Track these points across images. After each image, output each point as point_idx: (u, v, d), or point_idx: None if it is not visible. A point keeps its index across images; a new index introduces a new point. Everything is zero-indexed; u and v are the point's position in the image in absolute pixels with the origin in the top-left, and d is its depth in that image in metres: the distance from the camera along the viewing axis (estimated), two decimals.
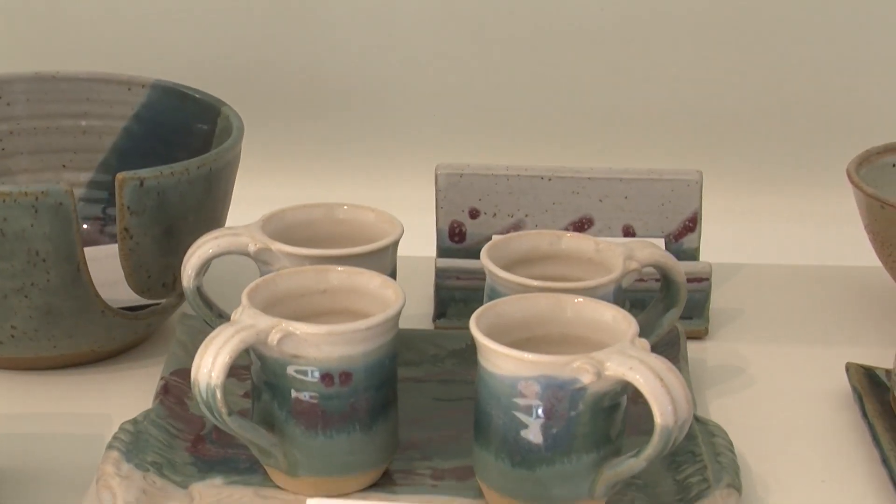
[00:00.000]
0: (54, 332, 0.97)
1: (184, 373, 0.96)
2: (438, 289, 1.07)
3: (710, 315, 1.09)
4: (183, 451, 0.90)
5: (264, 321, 0.82)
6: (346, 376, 0.83)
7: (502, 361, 0.81)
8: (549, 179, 1.10)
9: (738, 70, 1.31)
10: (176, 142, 1.10)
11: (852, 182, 1.07)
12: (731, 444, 0.90)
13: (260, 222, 0.94)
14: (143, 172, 0.95)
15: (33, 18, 1.30)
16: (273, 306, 0.85)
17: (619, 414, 0.83)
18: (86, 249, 0.95)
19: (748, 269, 1.18)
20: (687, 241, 1.10)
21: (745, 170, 1.32)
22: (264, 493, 0.86)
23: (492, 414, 0.82)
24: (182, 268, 0.93)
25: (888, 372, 0.98)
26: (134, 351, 1.04)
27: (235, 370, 0.92)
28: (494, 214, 1.10)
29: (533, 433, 0.81)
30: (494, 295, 0.91)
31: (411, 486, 0.87)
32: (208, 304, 0.94)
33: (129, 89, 1.13)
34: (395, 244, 0.93)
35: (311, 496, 0.84)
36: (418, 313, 1.08)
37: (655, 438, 0.79)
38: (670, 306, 0.96)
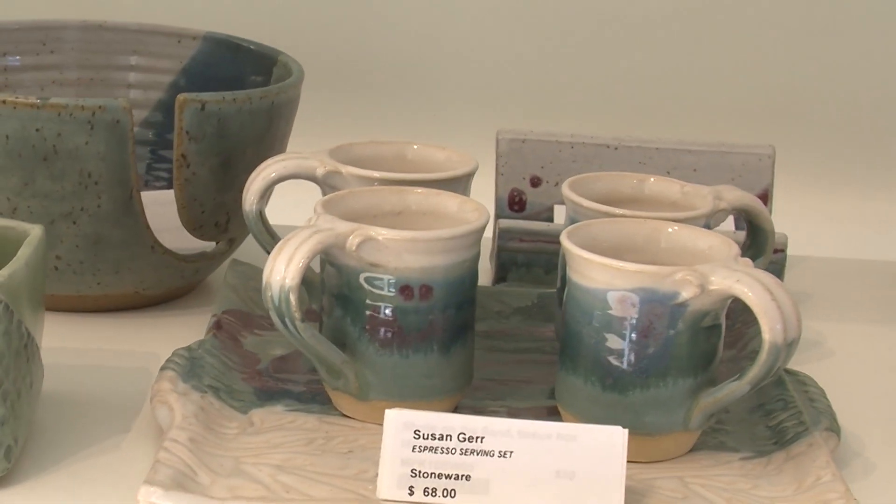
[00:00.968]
0: (100, 266, 0.92)
1: (236, 312, 0.91)
2: (500, 251, 1.02)
3: None
4: (240, 381, 0.84)
5: (343, 225, 0.77)
6: (426, 289, 0.78)
7: (597, 273, 0.75)
8: (616, 149, 1.05)
9: (816, 49, 1.27)
10: None
11: None
12: (825, 393, 0.84)
13: (327, 151, 0.89)
14: (205, 96, 0.90)
15: None
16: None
17: (717, 338, 0.77)
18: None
19: (819, 258, 1.13)
20: None
21: (821, 149, 1.28)
22: (330, 419, 0.80)
23: (582, 333, 0.77)
24: (245, 191, 0.88)
25: None
26: (180, 300, 0.98)
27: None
28: (557, 184, 1.05)
29: (627, 353, 0.76)
30: None
31: None
32: (270, 231, 0.89)
33: (178, 42, 1.08)
34: (471, 176, 0.88)
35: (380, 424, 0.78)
36: None
37: (763, 356, 0.74)
38: (758, 255, 0.91)
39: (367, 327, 0.78)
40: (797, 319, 0.74)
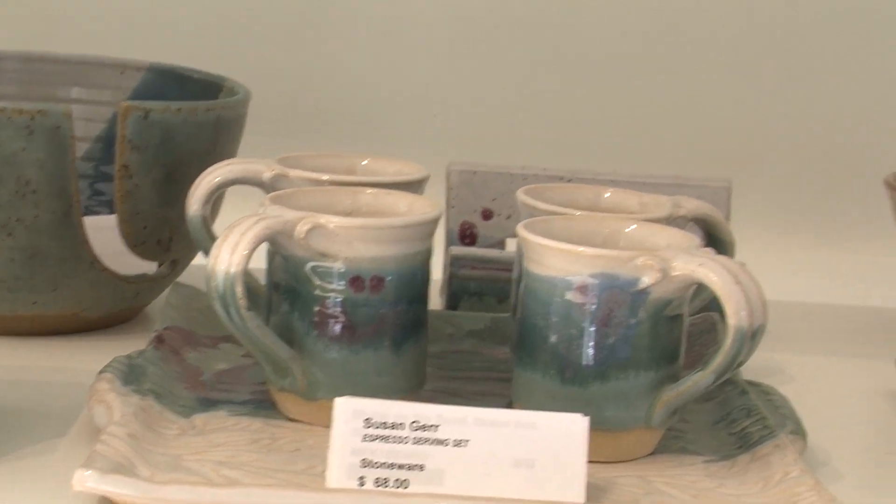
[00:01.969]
0: (37, 283, 0.88)
1: (178, 329, 0.87)
2: (451, 279, 0.99)
3: None
4: (182, 389, 0.80)
5: (292, 212, 0.74)
6: (377, 281, 0.75)
7: (555, 259, 0.73)
8: (569, 181, 1.03)
9: (769, 80, 1.26)
10: None
11: (891, 188, 1.02)
12: (789, 401, 0.81)
13: (274, 159, 0.86)
14: (150, 104, 0.88)
15: None
16: None
17: (680, 328, 0.74)
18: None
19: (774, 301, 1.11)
20: None
21: (777, 183, 1.26)
22: (276, 423, 0.77)
23: (540, 325, 0.74)
24: (189, 196, 0.85)
25: None
26: (121, 326, 0.95)
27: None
28: (509, 216, 1.03)
29: (586, 343, 0.73)
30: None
31: None
32: (213, 237, 0.85)
33: (122, 73, 1.06)
34: (423, 182, 0.86)
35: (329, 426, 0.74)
36: None
37: (728, 343, 0.71)
38: None
39: (315, 321, 0.75)
40: (763, 305, 0.71)
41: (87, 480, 0.65)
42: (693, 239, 0.76)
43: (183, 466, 0.70)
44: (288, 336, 0.76)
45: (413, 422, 0.69)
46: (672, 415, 0.75)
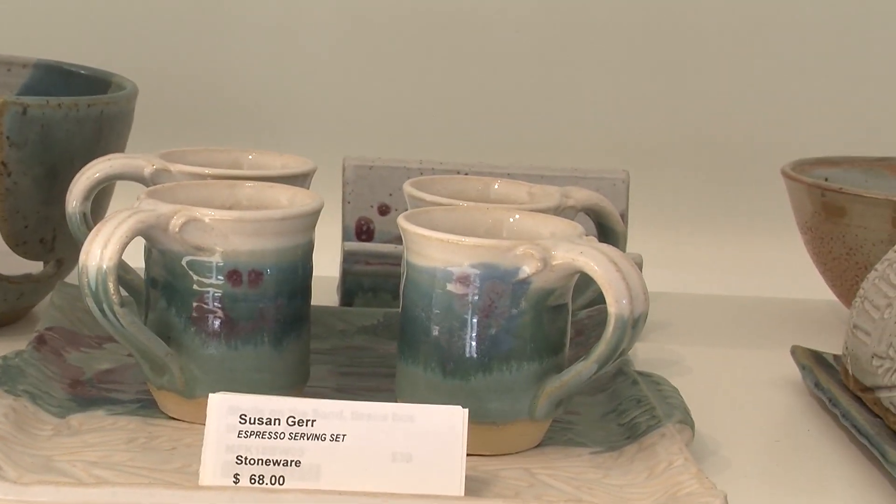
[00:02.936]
0: None
1: (61, 330, 0.86)
2: (345, 275, 0.98)
3: None
4: (59, 389, 0.78)
5: (166, 206, 0.73)
6: (255, 275, 0.73)
7: (435, 250, 0.72)
8: (466, 174, 1.02)
9: (666, 72, 1.26)
10: None
11: (788, 177, 1.01)
12: (678, 392, 0.81)
13: (157, 154, 0.85)
14: (27, 99, 0.86)
15: None
16: None
17: (564, 321, 0.73)
18: None
19: (674, 293, 1.10)
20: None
21: (675, 174, 1.26)
22: (155, 422, 0.75)
23: (421, 317, 0.73)
24: (68, 192, 0.83)
25: (836, 357, 0.90)
26: (8, 328, 0.92)
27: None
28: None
29: (468, 334, 0.72)
30: None
31: None
32: None
33: (9, 70, 1.04)
34: (308, 176, 0.84)
35: None
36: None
37: (609, 331, 0.70)
38: None
39: (192, 317, 0.73)
40: (644, 293, 0.71)
41: None
42: (577, 228, 0.75)
43: (54, 467, 0.69)
44: (166, 333, 0.74)
45: (289, 417, 0.68)
46: (557, 406, 0.74)
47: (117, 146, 0.93)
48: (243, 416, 0.68)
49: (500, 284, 0.71)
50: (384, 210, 1.02)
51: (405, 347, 0.74)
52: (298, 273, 0.75)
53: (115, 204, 0.92)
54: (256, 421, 0.68)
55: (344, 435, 0.68)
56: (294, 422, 0.68)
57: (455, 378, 0.72)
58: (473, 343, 0.72)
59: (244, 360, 0.74)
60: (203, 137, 1.19)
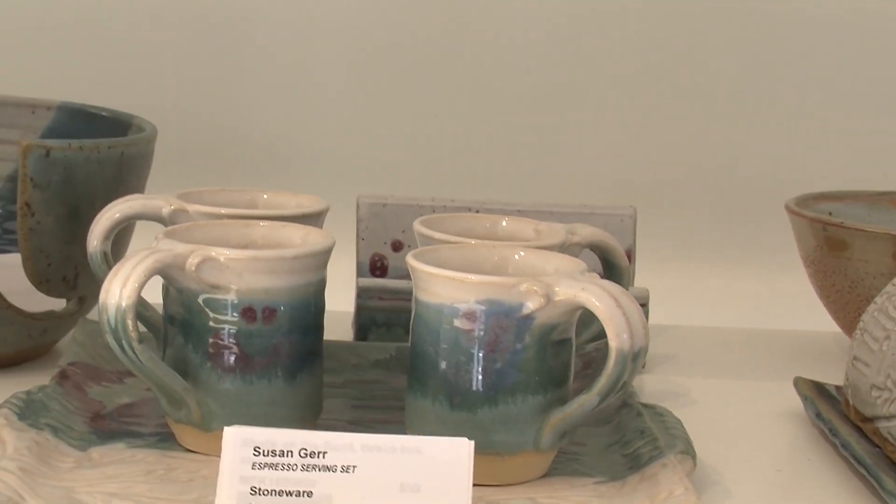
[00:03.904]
0: None
1: (83, 365, 0.88)
2: (359, 310, 1.00)
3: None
4: (81, 423, 0.81)
5: (182, 245, 0.75)
6: (269, 312, 0.76)
7: (441, 287, 0.74)
8: (478, 211, 1.04)
9: (671, 108, 1.28)
10: None
11: (792, 212, 1.04)
12: (681, 423, 0.83)
13: (175, 194, 0.87)
14: (50, 142, 0.89)
15: None
16: None
17: (567, 354, 0.76)
18: None
19: (681, 326, 1.12)
20: None
21: (681, 210, 1.28)
22: (173, 454, 0.78)
23: (429, 352, 0.75)
24: (89, 232, 0.86)
25: (838, 388, 0.92)
26: (31, 363, 0.95)
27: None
28: None
29: (474, 369, 0.74)
30: None
31: None
32: None
33: (33, 112, 1.07)
34: (322, 215, 0.87)
35: None
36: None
37: (610, 365, 0.73)
38: None
39: (208, 352, 0.76)
40: (644, 328, 0.73)
41: None
42: (579, 264, 0.77)
43: (75, 498, 0.71)
44: (183, 368, 0.77)
45: (301, 449, 0.70)
46: (561, 437, 0.76)
47: (137, 186, 0.96)
48: (257, 449, 0.70)
49: (504, 320, 0.73)
50: (397, 246, 1.04)
51: (414, 381, 0.76)
52: (311, 309, 0.78)
53: (135, 243, 0.95)
54: (270, 453, 0.70)
55: (354, 466, 0.70)
56: (306, 454, 0.70)
57: (462, 411, 0.74)
58: (479, 377, 0.74)
59: (258, 394, 0.76)
60: (219, 177, 1.22)
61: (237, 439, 0.70)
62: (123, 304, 0.73)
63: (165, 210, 0.85)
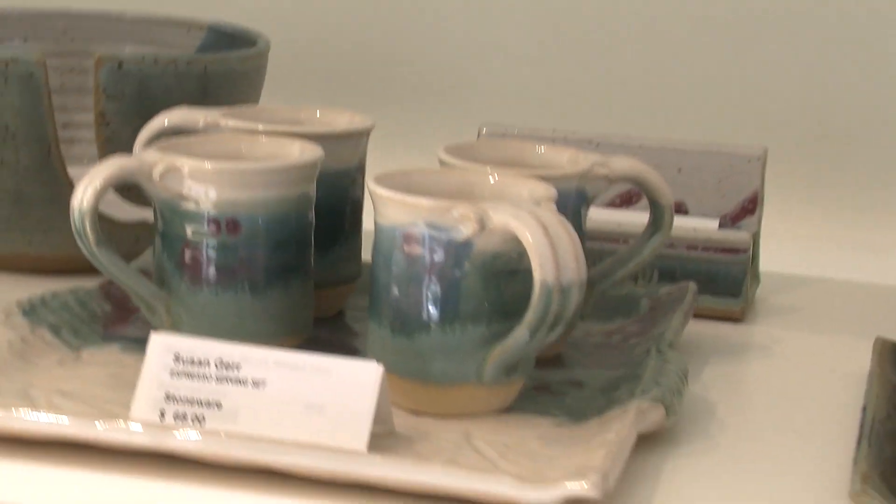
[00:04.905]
0: (27, 224, 0.93)
1: None
2: None
3: (752, 297, 0.96)
4: (95, 325, 0.83)
5: (150, 154, 0.76)
6: (233, 225, 0.76)
7: (388, 208, 0.72)
8: (597, 145, 1.00)
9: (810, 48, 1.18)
10: None
11: None
12: (684, 373, 0.77)
13: (221, 111, 0.88)
14: (123, 55, 0.91)
15: None
16: None
17: (515, 285, 0.72)
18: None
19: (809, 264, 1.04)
20: (745, 225, 0.98)
21: (813, 151, 1.18)
22: None
23: (380, 275, 0.73)
24: (136, 143, 0.88)
25: None
26: None
27: None
28: None
29: (413, 293, 0.72)
30: None
31: None
32: None
33: (188, 31, 1.10)
34: (359, 135, 0.86)
35: None
36: None
37: (534, 298, 0.69)
38: (654, 231, 0.84)
39: (179, 262, 0.77)
40: (576, 263, 0.69)
41: None
42: (550, 192, 0.73)
43: (27, 394, 0.73)
44: (162, 276, 0.78)
45: (217, 360, 0.70)
46: (508, 373, 0.73)
47: (231, 102, 0.97)
48: (178, 356, 0.71)
49: (444, 245, 0.71)
50: None
51: (370, 305, 0.75)
52: (287, 226, 0.77)
53: None
54: (188, 361, 0.70)
55: (265, 381, 0.69)
56: (221, 365, 0.70)
57: (402, 336, 0.72)
58: (418, 302, 0.72)
59: (225, 307, 0.77)
60: (339, 95, 1.22)
61: (161, 345, 0.71)
62: (84, 206, 0.75)
63: (202, 122, 0.86)
